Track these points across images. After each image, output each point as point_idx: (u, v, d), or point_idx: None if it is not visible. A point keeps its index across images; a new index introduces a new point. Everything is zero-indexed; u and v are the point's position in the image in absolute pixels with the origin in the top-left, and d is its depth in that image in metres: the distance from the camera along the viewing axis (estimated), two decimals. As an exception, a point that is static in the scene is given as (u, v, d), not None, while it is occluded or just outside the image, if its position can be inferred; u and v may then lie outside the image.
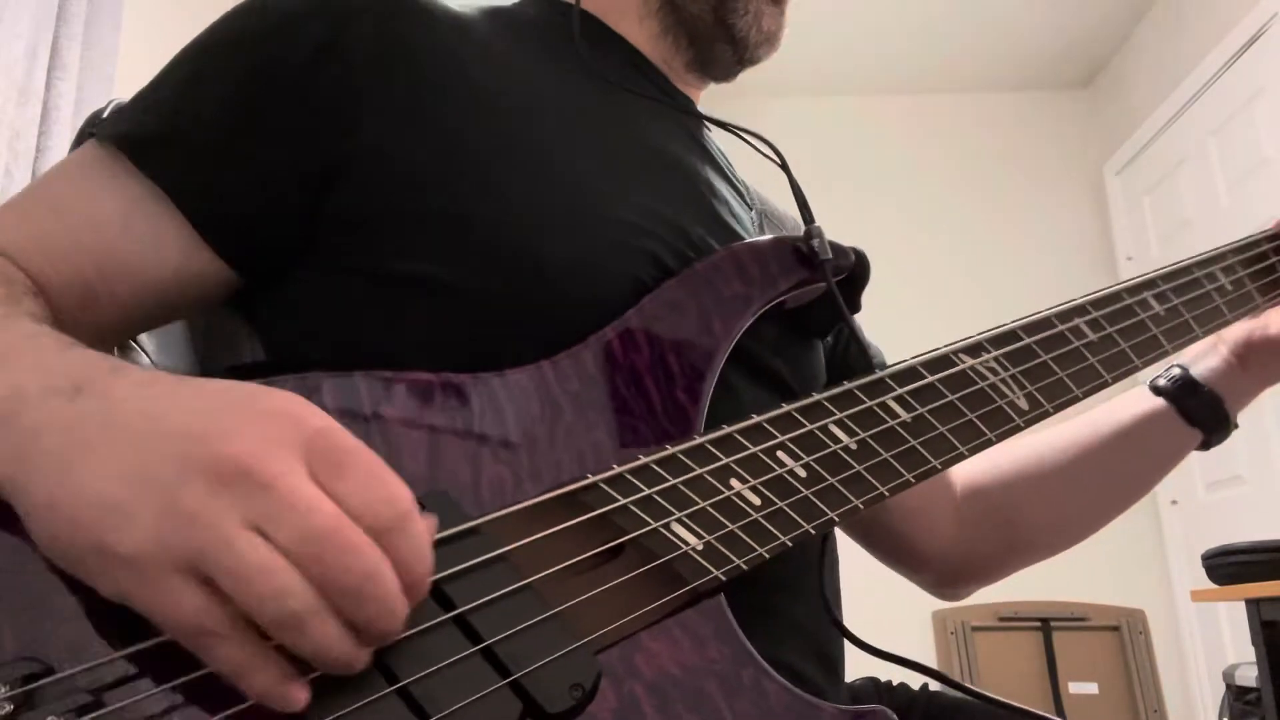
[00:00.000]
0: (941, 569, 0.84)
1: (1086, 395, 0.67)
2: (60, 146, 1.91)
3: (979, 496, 0.82)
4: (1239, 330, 0.79)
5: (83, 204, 0.57)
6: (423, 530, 0.38)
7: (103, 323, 0.57)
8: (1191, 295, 0.77)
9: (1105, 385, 0.69)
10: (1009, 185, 3.61)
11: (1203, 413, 0.78)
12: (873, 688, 0.76)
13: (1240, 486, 2.83)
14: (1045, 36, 3.46)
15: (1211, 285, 0.78)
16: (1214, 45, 2.95)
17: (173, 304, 0.59)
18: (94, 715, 0.36)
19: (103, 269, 0.56)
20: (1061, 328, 0.69)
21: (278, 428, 0.37)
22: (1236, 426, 0.80)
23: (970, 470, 0.83)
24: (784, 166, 0.67)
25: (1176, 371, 0.80)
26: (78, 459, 0.37)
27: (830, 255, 0.61)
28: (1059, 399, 0.65)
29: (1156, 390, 0.79)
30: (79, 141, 0.78)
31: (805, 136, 3.42)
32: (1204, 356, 0.79)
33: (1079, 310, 0.71)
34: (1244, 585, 1.85)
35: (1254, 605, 1.82)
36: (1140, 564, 3.20)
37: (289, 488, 0.35)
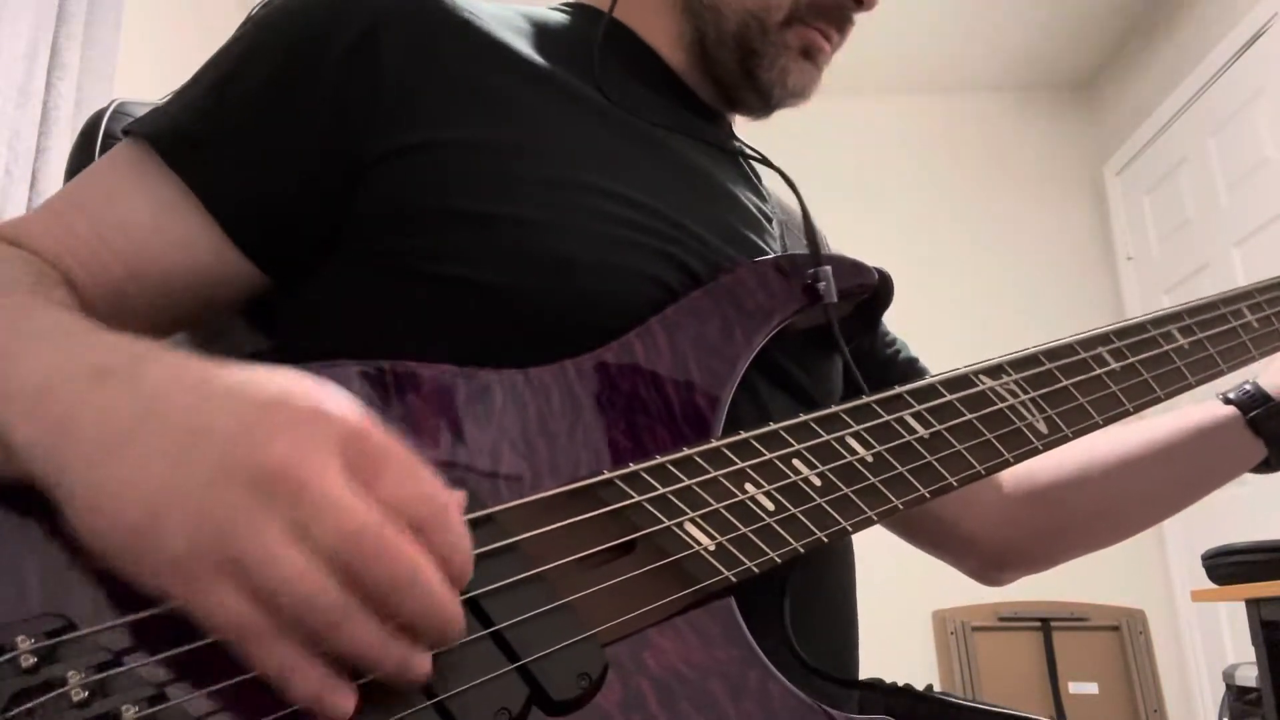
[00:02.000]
0: (988, 554, 0.84)
1: (1107, 423, 0.67)
2: (60, 146, 1.91)
3: (1033, 483, 0.82)
4: None
5: (113, 206, 0.57)
6: (460, 521, 0.38)
7: (135, 324, 0.57)
8: (1217, 330, 0.77)
9: (1127, 413, 0.69)
10: (1009, 185, 3.61)
11: (1270, 425, 0.77)
12: (879, 689, 0.76)
13: (1240, 486, 2.80)
14: (1045, 36, 3.46)
15: (1237, 322, 0.78)
16: (1214, 45, 2.95)
17: (203, 304, 0.60)
18: (112, 672, 0.37)
19: (133, 270, 0.57)
20: (1084, 355, 0.69)
21: (314, 429, 0.36)
22: None
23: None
24: (799, 198, 0.67)
25: (1248, 386, 0.80)
26: (114, 455, 0.37)
27: (835, 298, 0.62)
28: (1079, 424, 0.65)
29: (1226, 400, 0.79)
30: (81, 142, 0.79)
31: (804, 136, 3.42)
32: (1276, 373, 0.80)
33: (1102, 339, 0.71)
34: (1244, 585, 1.86)
35: (1254, 605, 1.82)
36: (1140, 564, 3.20)
37: (324, 491, 0.35)
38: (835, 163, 3.52)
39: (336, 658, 0.36)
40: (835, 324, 0.63)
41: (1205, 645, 3.01)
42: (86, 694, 0.36)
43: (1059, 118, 3.71)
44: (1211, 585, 1.98)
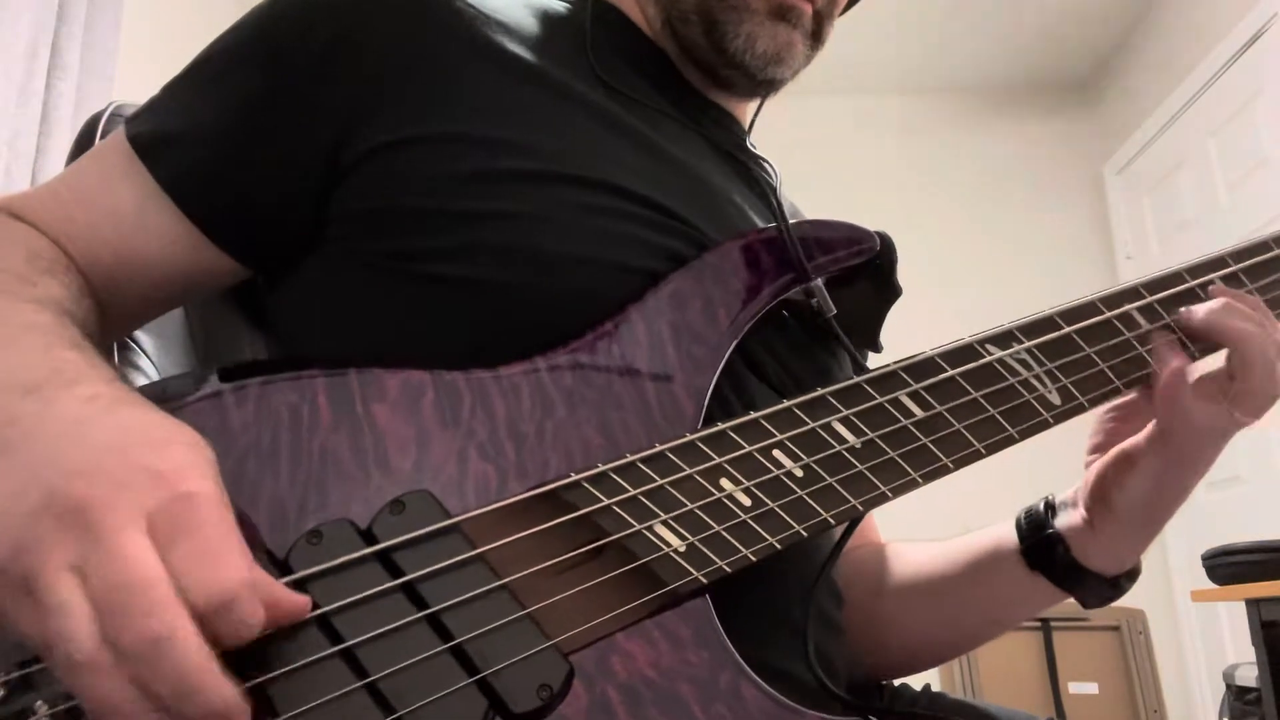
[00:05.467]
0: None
1: (1129, 387, 0.62)
2: (60, 147, 1.91)
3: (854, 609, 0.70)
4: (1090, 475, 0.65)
5: (104, 195, 0.59)
6: (251, 618, 0.37)
7: (126, 304, 0.60)
8: (1272, 277, 0.67)
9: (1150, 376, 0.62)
10: (1009, 185, 3.61)
11: (1042, 555, 0.65)
12: (874, 689, 0.76)
13: (1240, 486, 2.83)
14: (1045, 36, 3.46)
15: None
16: (1214, 45, 2.94)
17: (188, 291, 0.62)
18: (79, 701, 0.37)
19: (121, 258, 0.58)
20: (1109, 314, 0.63)
21: (140, 483, 0.37)
22: (1118, 585, 0.64)
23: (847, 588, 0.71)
24: (777, 203, 0.64)
25: (1040, 506, 0.67)
26: None
27: (834, 310, 0.58)
28: (1094, 392, 0.60)
29: (1017, 523, 0.67)
30: (79, 144, 0.79)
31: (804, 136, 3.42)
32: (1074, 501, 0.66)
33: (1131, 294, 0.64)
34: (1244, 585, 1.85)
35: (1254, 605, 1.82)
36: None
37: (114, 540, 0.36)
38: (834, 162, 3.51)
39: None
40: (839, 331, 0.60)
41: (1205, 645, 3.01)
42: None
43: (1059, 118, 3.70)
44: (1211, 585, 1.98)
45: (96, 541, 0.35)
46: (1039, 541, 0.65)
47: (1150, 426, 0.62)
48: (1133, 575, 0.66)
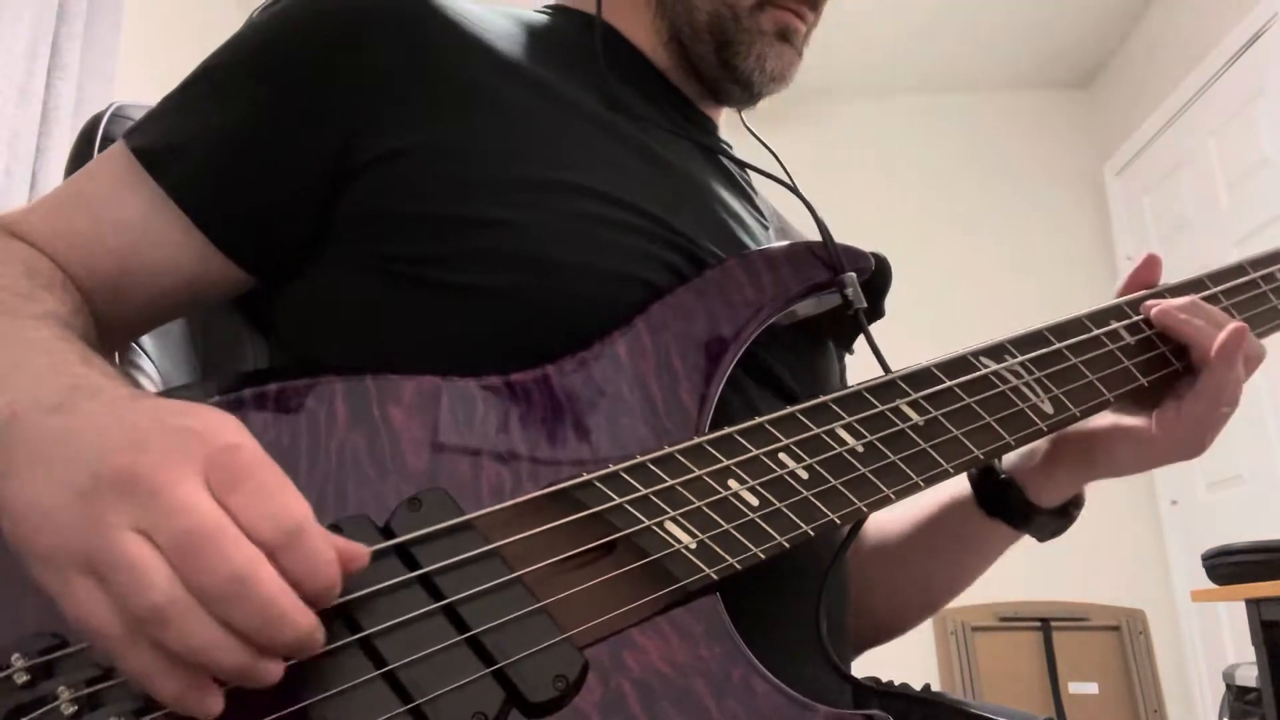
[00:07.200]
0: None
1: (1120, 399, 0.66)
2: (60, 146, 1.91)
3: None
4: None
5: (109, 205, 0.59)
6: (319, 547, 0.38)
7: (130, 314, 0.60)
8: (1245, 296, 0.72)
9: (1142, 388, 0.66)
10: (1009, 185, 3.61)
11: (998, 500, 0.71)
12: (875, 687, 0.76)
13: (1240, 486, 2.83)
14: (1045, 36, 3.46)
15: (1269, 286, 0.73)
16: (1214, 45, 2.95)
17: (193, 301, 0.62)
18: (101, 686, 0.39)
19: (126, 268, 0.58)
20: (1097, 331, 0.66)
21: (182, 442, 0.38)
22: (1068, 514, 0.71)
23: None
24: (808, 206, 0.65)
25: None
26: (32, 468, 0.39)
27: (864, 304, 0.61)
28: (1086, 403, 0.63)
29: (970, 476, 0.73)
30: (80, 145, 0.79)
31: (804, 136, 3.42)
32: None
33: (1115, 312, 0.68)
34: (1244, 585, 1.85)
35: (1254, 605, 1.82)
36: (1140, 564, 3.20)
37: (173, 494, 0.36)
38: (834, 163, 3.51)
39: (185, 660, 0.36)
40: (865, 326, 0.62)
41: (1205, 645, 3.01)
42: (75, 708, 0.38)
43: (1059, 118, 3.71)
44: (1211, 585, 1.98)
45: (154, 498, 0.36)
46: (993, 488, 0.71)
47: (1157, 412, 0.67)
48: (1078, 502, 0.72)
